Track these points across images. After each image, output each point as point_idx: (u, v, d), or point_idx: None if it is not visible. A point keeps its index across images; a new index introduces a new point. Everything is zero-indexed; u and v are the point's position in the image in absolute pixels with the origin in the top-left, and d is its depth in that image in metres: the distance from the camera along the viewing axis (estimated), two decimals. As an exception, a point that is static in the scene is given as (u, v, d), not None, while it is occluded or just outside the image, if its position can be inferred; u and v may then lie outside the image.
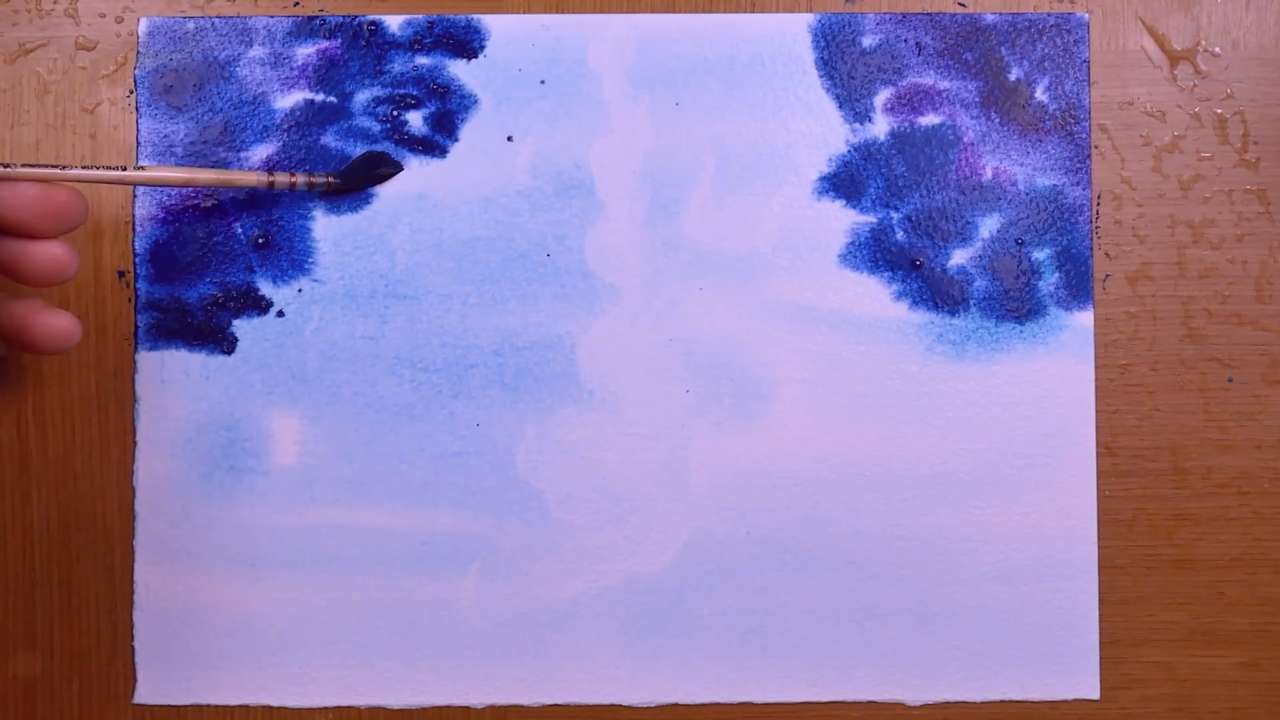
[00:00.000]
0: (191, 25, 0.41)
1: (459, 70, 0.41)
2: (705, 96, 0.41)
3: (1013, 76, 0.41)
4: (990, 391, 0.41)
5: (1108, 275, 0.41)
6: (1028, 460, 0.41)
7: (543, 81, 0.41)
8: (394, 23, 0.41)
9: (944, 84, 0.41)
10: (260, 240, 0.41)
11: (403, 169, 0.40)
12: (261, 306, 0.41)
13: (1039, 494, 0.40)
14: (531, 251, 0.41)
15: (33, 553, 0.41)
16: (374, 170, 0.39)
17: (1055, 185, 0.41)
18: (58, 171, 0.29)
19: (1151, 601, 0.41)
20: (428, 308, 0.41)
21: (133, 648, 0.40)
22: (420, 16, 0.41)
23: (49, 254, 0.29)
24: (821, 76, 0.41)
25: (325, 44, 0.41)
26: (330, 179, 0.37)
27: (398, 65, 0.41)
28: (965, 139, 0.41)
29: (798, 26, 0.41)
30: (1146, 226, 0.41)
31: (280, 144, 0.41)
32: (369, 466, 0.40)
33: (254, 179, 0.35)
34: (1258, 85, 0.41)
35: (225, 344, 0.40)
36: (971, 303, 0.41)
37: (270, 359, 0.41)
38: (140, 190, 0.41)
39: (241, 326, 0.40)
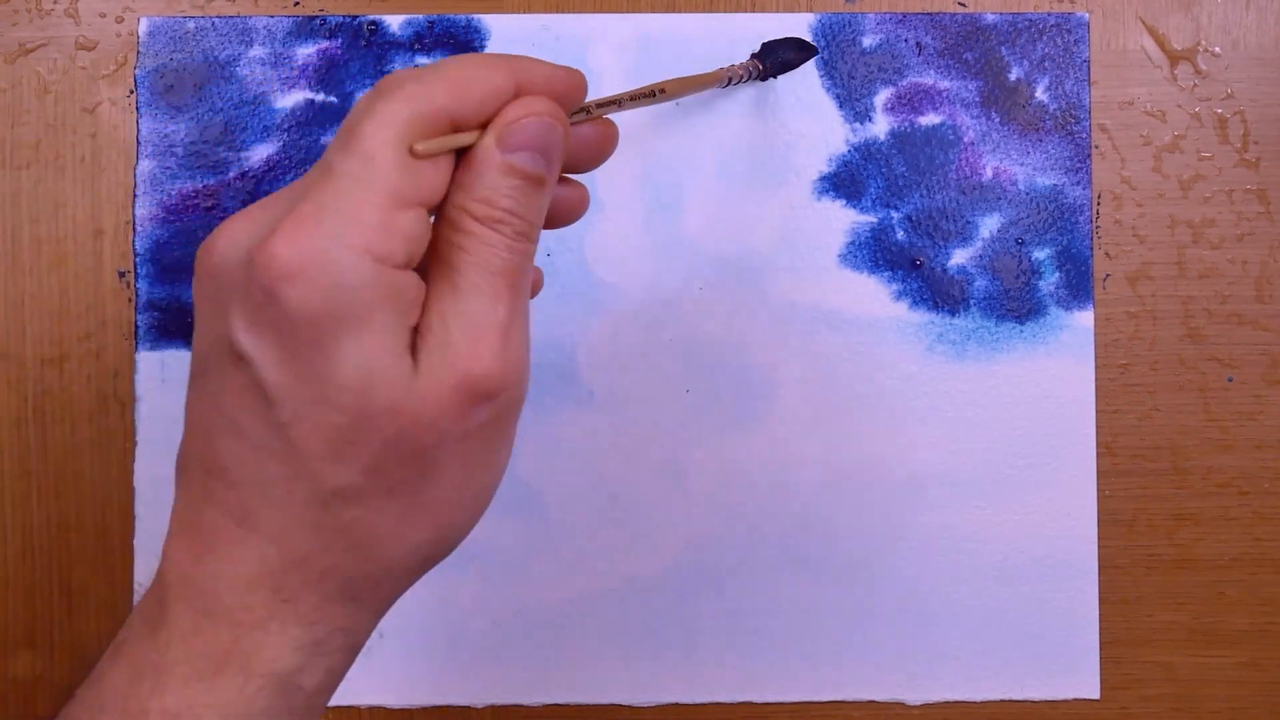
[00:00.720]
0: (192, 25, 0.41)
1: (459, 70, 0.41)
2: (705, 96, 0.41)
3: (1013, 76, 0.41)
4: (990, 391, 0.41)
5: (1108, 275, 0.41)
6: (1028, 460, 0.41)
7: (543, 81, 0.41)
8: (394, 23, 0.41)
9: (944, 84, 0.41)
10: (260, 240, 0.41)
11: (818, 52, 0.40)
12: (261, 306, 0.41)
13: (1039, 494, 0.40)
14: (531, 251, 0.41)
15: (33, 553, 0.41)
16: (796, 53, 0.39)
17: (1055, 185, 0.41)
18: (615, 107, 0.29)
19: (1151, 601, 0.41)
20: (428, 308, 0.41)
21: (133, 648, 0.40)
22: (420, 16, 0.41)
23: (579, 193, 0.29)
24: (821, 76, 0.41)
25: (325, 44, 0.41)
26: (764, 66, 0.39)
27: (398, 65, 0.41)
28: (965, 139, 0.41)
29: (798, 26, 0.41)
30: (1146, 226, 0.41)
31: (281, 144, 0.41)
32: (369, 466, 0.40)
33: (717, 77, 0.37)
34: (1258, 85, 0.41)
35: (225, 344, 0.40)
36: (971, 302, 0.41)
37: (270, 359, 0.40)
38: (140, 190, 0.41)
39: (241, 326, 0.40)
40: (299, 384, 0.22)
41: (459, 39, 0.41)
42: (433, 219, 0.25)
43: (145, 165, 0.41)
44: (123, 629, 0.25)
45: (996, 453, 0.41)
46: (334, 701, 0.40)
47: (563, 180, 0.28)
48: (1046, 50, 0.41)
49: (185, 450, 0.25)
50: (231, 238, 0.23)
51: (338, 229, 0.22)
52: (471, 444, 0.24)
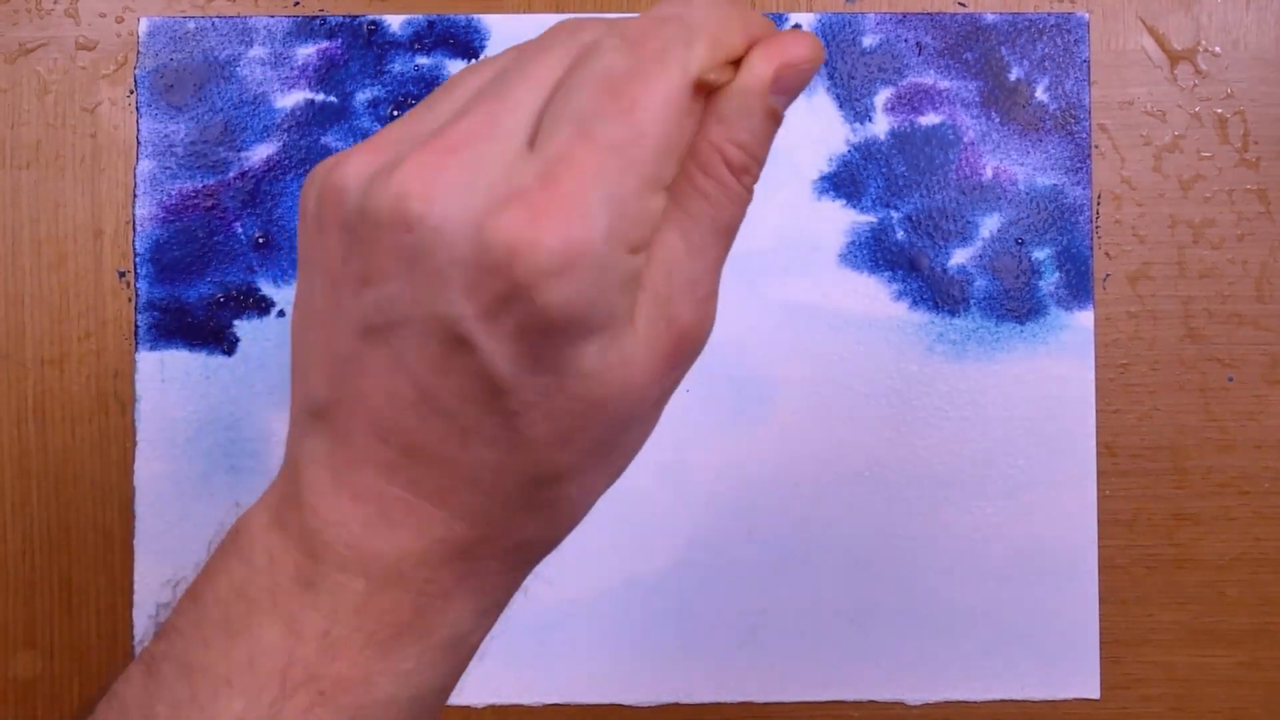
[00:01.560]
0: (192, 25, 0.41)
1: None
2: (705, 96, 0.41)
3: (1013, 76, 0.41)
4: (990, 391, 0.41)
5: (1108, 275, 0.41)
6: (1028, 460, 0.41)
7: (543, 81, 0.41)
8: (394, 23, 0.41)
9: (944, 84, 0.41)
10: (260, 240, 0.41)
11: None
12: (262, 307, 0.41)
13: (1039, 494, 0.40)
14: (531, 251, 0.41)
15: (33, 553, 0.41)
16: None
17: (1055, 185, 0.41)
18: None
19: (1151, 601, 0.41)
20: (428, 308, 0.41)
21: (133, 648, 0.40)
22: (420, 16, 0.41)
23: None
24: (822, 76, 0.41)
25: (325, 44, 0.41)
26: None
27: (398, 65, 0.41)
28: (965, 139, 0.41)
29: (801, 25, 0.41)
30: (1146, 226, 0.41)
31: (281, 144, 0.41)
32: (369, 466, 0.40)
33: None
34: (1258, 85, 0.41)
35: (226, 344, 0.40)
36: (972, 302, 0.41)
37: (271, 359, 0.40)
38: (140, 190, 0.41)
39: (242, 327, 0.41)
40: (535, 377, 0.20)
41: (459, 39, 0.41)
42: None
43: (145, 165, 0.41)
44: (235, 561, 0.22)
45: (996, 453, 0.41)
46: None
47: None
48: (1046, 50, 0.41)
49: (340, 405, 0.22)
50: (433, 191, 0.19)
51: (606, 221, 0.19)
52: (663, 399, 0.23)
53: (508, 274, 0.19)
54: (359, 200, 0.20)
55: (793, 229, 0.41)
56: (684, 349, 0.22)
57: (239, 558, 0.22)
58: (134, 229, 0.41)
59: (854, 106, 0.41)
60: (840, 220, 0.41)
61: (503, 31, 0.41)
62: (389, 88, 0.41)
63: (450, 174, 0.19)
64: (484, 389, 0.20)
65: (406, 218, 0.19)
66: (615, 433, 0.22)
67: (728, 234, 0.22)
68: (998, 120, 0.41)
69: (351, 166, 0.21)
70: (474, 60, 0.41)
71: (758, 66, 0.21)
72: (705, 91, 0.21)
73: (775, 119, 0.22)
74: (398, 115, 0.41)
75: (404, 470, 0.21)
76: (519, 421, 0.20)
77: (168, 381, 0.40)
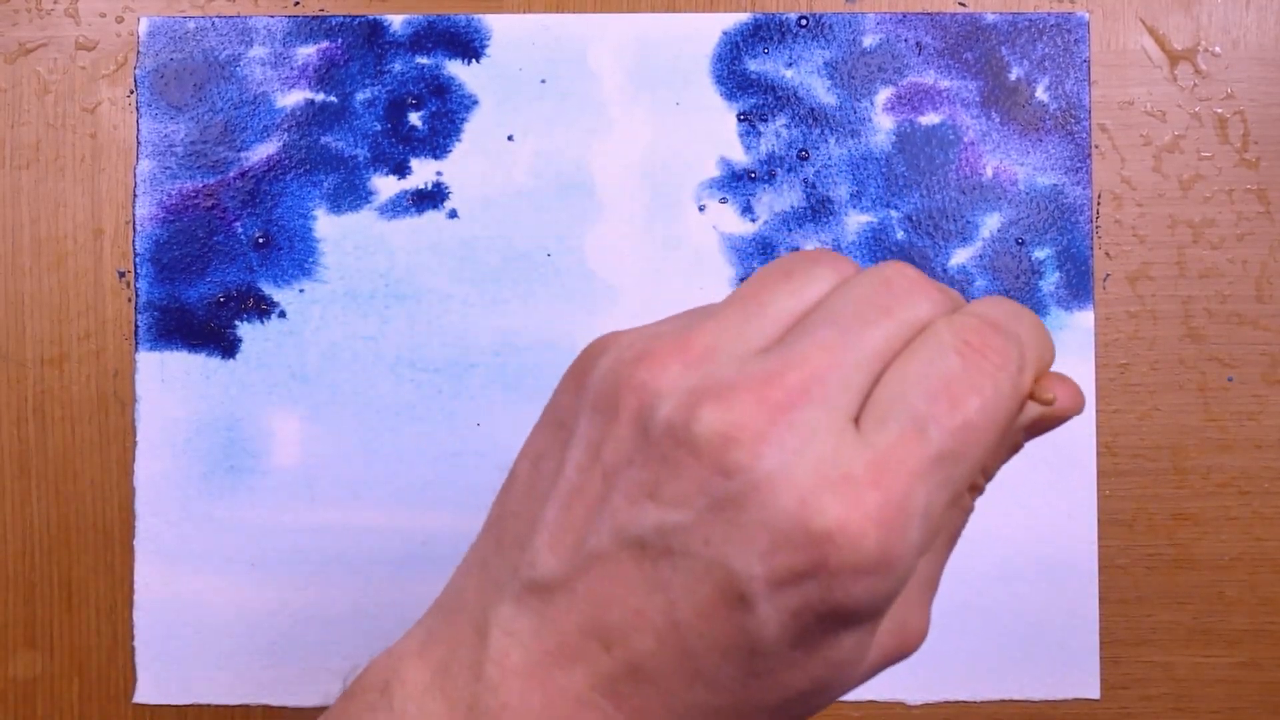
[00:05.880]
0: (192, 25, 0.41)
1: (459, 70, 0.41)
2: (705, 96, 0.41)
3: (1013, 76, 0.41)
4: (990, 391, 0.41)
5: (1108, 275, 0.41)
6: (1028, 460, 0.41)
7: (543, 81, 0.41)
8: (394, 22, 0.41)
9: (944, 83, 0.41)
10: (260, 240, 0.41)
11: None
12: (263, 308, 0.41)
13: (1039, 494, 0.40)
14: (532, 251, 0.41)
15: (33, 553, 0.41)
16: None
17: (1055, 185, 0.41)
18: None
19: (1151, 601, 0.41)
20: (428, 308, 0.41)
21: (133, 648, 0.40)
22: (420, 16, 0.41)
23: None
24: (822, 77, 0.41)
25: (325, 44, 0.41)
26: None
27: (398, 65, 0.41)
28: (966, 138, 0.41)
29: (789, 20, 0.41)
30: (1146, 226, 0.41)
31: (281, 144, 0.41)
32: (369, 466, 0.40)
33: None
34: (1258, 85, 0.41)
35: (226, 344, 0.40)
36: (971, 303, 0.41)
37: (271, 359, 0.41)
38: (140, 190, 0.41)
39: (243, 327, 0.41)
40: (793, 650, 0.19)
41: (459, 39, 0.41)
42: None
43: (145, 165, 0.41)
44: (384, 717, 0.21)
45: (996, 453, 0.40)
46: (333, 701, 0.40)
47: None
48: (1046, 50, 0.41)
49: (569, 594, 0.20)
50: (762, 447, 0.19)
51: (919, 532, 0.19)
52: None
53: (818, 556, 0.18)
54: (675, 416, 0.19)
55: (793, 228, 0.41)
56: (903, 651, 0.22)
57: (389, 715, 0.21)
58: (134, 229, 0.41)
59: (854, 106, 0.41)
60: (841, 220, 0.41)
61: (503, 31, 0.41)
62: (389, 88, 0.41)
63: (780, 432, 0.19)
64: (741, 646, 0.19)
65: (728, 463, 0.19)
66: (813, 711, 0.21)
67: (954, 543, 0.23)
68: (998, 120, 0.41)
69: (669, 373, 0.20)
70: (473, 60, 0.41)
71: (1030, 410, 0.22)
72: (1046, 404, 0.21)
73: (1016, 451, 0.23)
74: (397, 115, 0.41)
75: (616, 684, 0.20)
76: (755, 683, 0.20)
77: (168, 381, 0.40)
